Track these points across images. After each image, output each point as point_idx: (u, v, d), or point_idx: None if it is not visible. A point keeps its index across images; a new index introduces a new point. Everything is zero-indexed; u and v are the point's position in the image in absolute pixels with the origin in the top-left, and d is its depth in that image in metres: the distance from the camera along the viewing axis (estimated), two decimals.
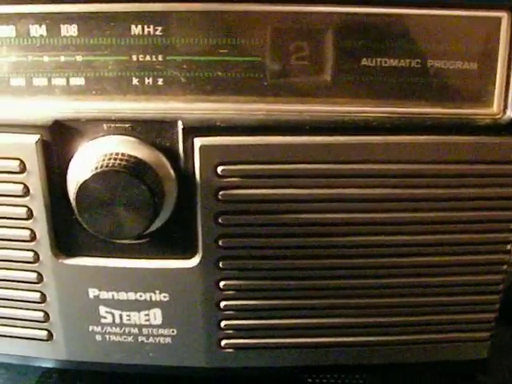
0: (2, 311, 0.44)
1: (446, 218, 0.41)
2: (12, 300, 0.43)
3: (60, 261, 0.42)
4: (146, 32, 0.38)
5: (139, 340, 0.44)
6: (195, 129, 0.39)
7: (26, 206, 0.41)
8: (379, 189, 0.40)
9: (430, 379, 0.49)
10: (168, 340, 0.44)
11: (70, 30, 0.39)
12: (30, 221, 0.41)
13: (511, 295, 0.47)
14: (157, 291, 0.43)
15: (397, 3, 0.38)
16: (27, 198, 0.41)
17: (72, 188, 0.39)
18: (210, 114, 0.39)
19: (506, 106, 0.40)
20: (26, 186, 0.40)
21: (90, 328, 0.44)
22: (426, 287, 0.44)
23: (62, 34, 0.39)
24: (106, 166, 0.38)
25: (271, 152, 0.39)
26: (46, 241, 0.42)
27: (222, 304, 0.43)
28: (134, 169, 0.38)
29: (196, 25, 0.38)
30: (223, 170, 0.39)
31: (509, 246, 0.43)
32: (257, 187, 0.40)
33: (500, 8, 0.38)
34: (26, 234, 0.41)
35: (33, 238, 0.41)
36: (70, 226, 0.42)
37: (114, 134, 0.40)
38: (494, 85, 0.40)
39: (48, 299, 0.43)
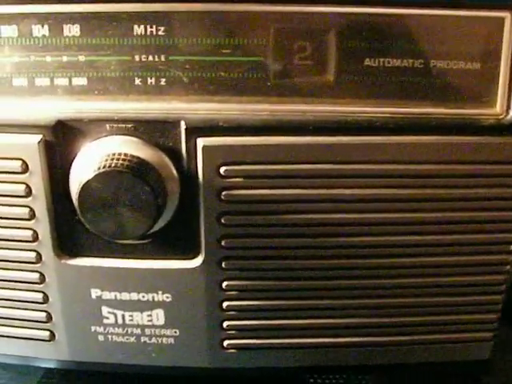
0: (4, 311, 0.44)
1: (449, 219, 0.41)
2: (14, 300, 0.43)
3: (62, 261, 0.42)
4: (148, 32, 0.38)
5: (142, 340, 0.44)
6: (198, 129, 0.39)
7: (28, 207, 0.41)
8: (382, 189, 0.40)
9: (432, 380, 0.49)
10: (171, 340, 0.44)
11: (72, 30, 0.38)
12: (32, 221, 0.41)
13: None
14: (159, 292, 0.43)
15: (399, 3, 0.38)
16: (29, 198, 0.40)
17: (74, 188, 0.39)
18: (213, 115, 0.39)
19: (508, 107, 0.40)
20: (28, 187, 0.40)
21: (93, 328, 0.44)
22: (428, 288, 0.44)
23: (65, 34, 0.38)
24: (109, 167, 0.38)
25: (274, 152, 0.39)
26: (48, 241, 0.41)
27: (225, 304, 0.43)
28: (137, 169, 0.38)
29: (199, 25, 0.38)
30: (226, 170, 0.39)
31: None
32: (260, 187, 0.40)
33: (503, 8, 0.38)
34: (28, 234, 0.41)
35: (35, 238, 0.41)
36: (73, 226, 0.42)
37: (116, 134, 0.40)
38: (497, 85, 0.39)
39: (50, 300, 0.43)
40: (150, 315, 0.43)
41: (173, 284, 0.42)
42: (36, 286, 0.43)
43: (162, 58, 0.39)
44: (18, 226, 0.41)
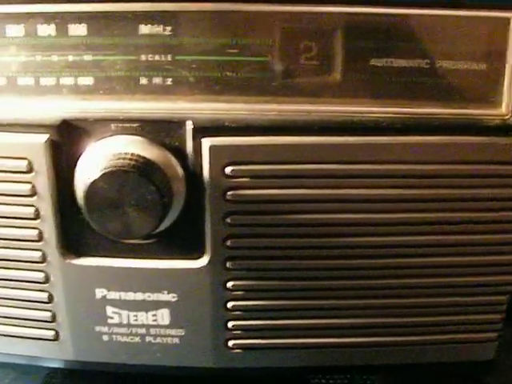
0: (8, 311, 0.44)
1: (454, 219, 0.41)
2: (19, 300, 0.43)
3: (67, 261, 0.42)
4: (155, 32, 0.38)
5: (146, 340, 0.44)
6: (204, 129, 0.39)
7: (34, 206, 0.41)
8: (388, 189, 0.40)
9: (436, 380, 0.49)
10: (175, 340, 0.44)
11: (78, 30, 0.38)
12: (38, 221, 0.41)
13: None
14: (165, 291, 0.42)
15: (406, 4, 0.38)
16: (35, 197, 0.40)
17: (80, 188, 0.39)
18: (219, 114, 0.39)
19: None
20: (33, 186, 0.40)
21: (97, 328, 0.44)
22: (432, 288, 0.44)
23: (71, 34, 0.38)
24: (115, 166, 0.38)
25: (280, 152, 0.39)
26: (53, 241, 0.41)
27: (230, 304, 0.43)
28: (143, 169, 0.38)
29: (205, 24, 0.38)
30: (232, 170, 0.39)
31: None
32: (265, 187, 0.40)
33: (508, 8, 0.38)
34: (33, 233, 0.41)
35: (40, 237, 0.41)
36: (78, 225, 0.42)
37: (122, 134, 0.40)
38: (503, 85, 0.40)
39: (55, 299, 0.43)
40: (155, 315, 0.43)
41: (178, 284, 0.42)
42: (41, 286, 0.43)
43: (169, 58, 0.39)
44: (23, 225, 0.41)
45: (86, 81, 0.39)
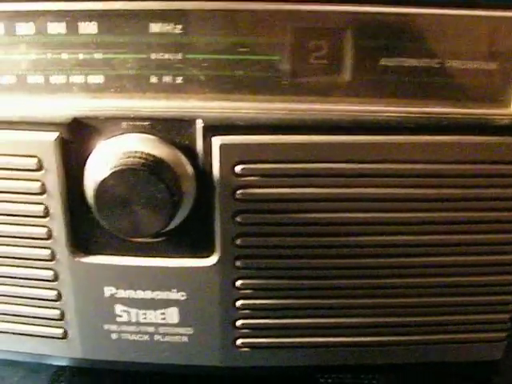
0: (17, 309, 0.44)
1: (462, 218, 0.41)
2: (28, 298, 0.43)
3: (76, 259, 0.42)
4: (165, 30, 0.38)
5: (155, 339, 0.44)
6: (214, 127, 0.39)
7: (43, 204, 0.41)
8: (397, 188, 0.40)
9: (443, 380, 0.49)
10: (184, 339, 0.44)
11: (89, 28, 0.38)
12: (47, 219, 0.41)
13: None
14: (174, 290, 0.42)
15: (416, 3, 0.38)
16: (44, 195, 0.40)
17: (90, 186, 0.39)
18: (229, 113, 0.39)
19: None
20: (43, 184, 0.40)
21: (106, 326, 0.44)
22: (440, 287, 0.44)
23: (82, 32, 0.38)
24: (125, 165, 0.38)
25: (290, 151, 0.39)
26: (62, 239, 0.42)
27: (239, 303, 0.43)
28: (153, 167, 0.38)
29: (216, 23, 0.38)
30: (242, 168, 0.39)
31: None
32: (275, 186, 0.40)
33: None
34: (42, 231, 0.41)
35: (49, 235, 0.41)
36: (87, 223, 0.42)
37: (132, 132, 0.40)
38: None
39: (64, 297, 0.43)
40: (164, 313, 0.43)
41: (187, 282, 0.42)
42: (50, 284, 0.43)
43: (179, 57, 0.39)
44: (32, 223, 0.41)
45: (97, 79, 0.39)
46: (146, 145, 0.39)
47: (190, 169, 0.40)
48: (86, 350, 0.45)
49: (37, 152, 0.40)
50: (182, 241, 0.42)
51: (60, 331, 0.44)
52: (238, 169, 0.39)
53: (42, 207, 0.41)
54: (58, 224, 0.41)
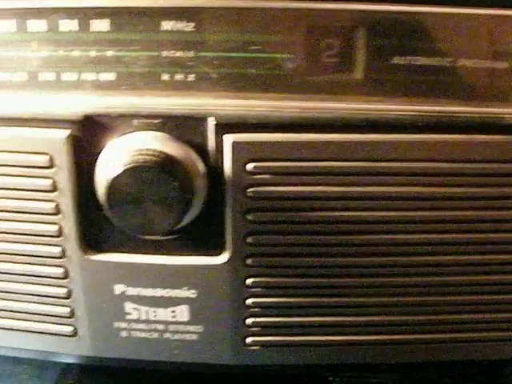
0: (27, 306, 0.44)
1: (476, 217, 0.41)
2: (38, 295, 0.43)
3: (87, 256, 0.42)
4: (177, 28, 0.38)
5: (165, 337, 0.44)
6: (226, 125, 0.39)
7: (54, 201, 0.41)
8: (409, 187, 0.40)
9: (453, 379, 0.49)
10: (194, 337, 0.44)
11: (101, 25, 0.38)
12: (58, 216, 0.41)
13: None
14: (184, 288, 0.42)
15: (428, 2, 0.38)
16: (55, 193, 0.40)
17: (101, 183, 0.39)
18: (241, 111, 0.39)
19: None
20: (54, 181, 0.40)
21: (116, 324, 0.44)
22: (452, 286, 0.44)
23: (93, 29, 0.38)
24: (137, 162, 0.38)
25: (302, 149, 0.39)
26: (73, 236, 0.41)
27: (249, 301, 0.43)
28: (165, 164, 0.38)
29: (228, 21, 0.38)
30: (254, 166, 0.39)
31: None
32: (287, 184, 0.40)
33: None
34: (53, 229, 0.41)
35: (60, 233, 0.41)
36: (98, 221, 0.42)
37: (144, 130, 0.40)
38: None
39: (74, 295, 0.43)
40: (174, 311, 0.43)
41: (198, 280, 0.42)
42: (60, 281, 0.43)
43: (191, 54, 0.39)
44: (43, 220, 0.41)
45: (108, 76, 0.39)
46: (158, 142, 0.39)
47: (201, 166, 0.40)
48: (95, 348, 0.45)
49: (48, 149, 0.40)
50: (192, 238, 0.42)
51: (70, 329, 0.44)
52: (249, 167, 0.39)
53: (52, 204, 0.41)
54: (68, 221, 0.41)
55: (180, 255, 0.42)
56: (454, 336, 0.45)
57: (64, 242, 0.42)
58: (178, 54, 0.39)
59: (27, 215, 0.41)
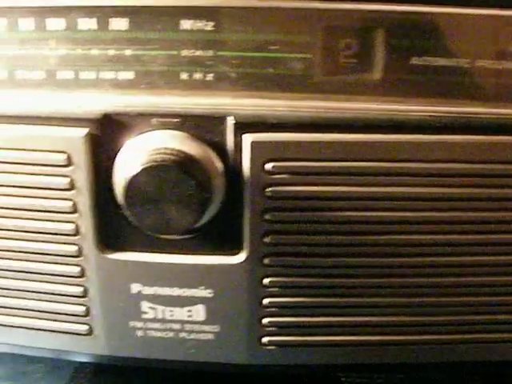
0: (43, 305, 0.44)
1: (494, 218, 0.41)
2: (53, 294, 0.43)
3: (103, 255, 0.42)
4: (196, 27, 0.38)
5: (181, 336, 0.44)
6: (245, 125, 0.39)
7: (71, 200, 0.41)
8: (428, 188, 0.40)
9: (466, 380, 0.49)
10: (210, 336, 0.44)
11: (120, 24, 0.38)
12: (75, 215, 0.41)
13: None
14: (201, 287, 0.42)
15: (446, 2, 0.38)
16: (73, 191, 0.40)
17: (119, 182, 0.39)
18: (260, 110, 0.39)
19: None
20: (71, 180, 0.40)
21: (131, 323, 0.44)
22: (465, 287, 0.44)
23: (112, 28, 0.38)
24: (156, 161, 0.37)
25: (321, 149, 0.39)
26: (90, 235, 0.41)
27: (266, 301, 0.43)
28: (184, 164, 0.38)
29: (248, 21, 0.38)
30: (272, 166, 0.39)
31: None
32: (305, 184, 0.40)
33: None
34: (70, 227, 0.41)
35: (77, 231, 0.41)
36: (115, 220, 0.42)
37: (162, 129, 0.40)
38: None
39: (90, 293, 0.43)
40: (191, 311, 0.43)
41: (215, 280, 0.42)
42: (76, 280, 0.43)
43: (210, 53, 0.39)
44: (60, 219, 0.41)
45: (127, 75, 0.39)
46: (177, 141, 0.39)
47: (220, 166, 0.40)
48: (110, 347, 0.45)
49: (66, 148, 0.40)
50: (210, 238, 0.42)
51: (85, 328, 0.44)
52: (268, 166, 0.39)
53: (70, 203, 0.41)
54: (85, 220, 0.41)
55: (197, 254, 0.42)
56: (468, 337, 0.45)
57: (81, 240, 0.42)
58: (197, 53, 0.39)
59: (44, 213, 0.41)
